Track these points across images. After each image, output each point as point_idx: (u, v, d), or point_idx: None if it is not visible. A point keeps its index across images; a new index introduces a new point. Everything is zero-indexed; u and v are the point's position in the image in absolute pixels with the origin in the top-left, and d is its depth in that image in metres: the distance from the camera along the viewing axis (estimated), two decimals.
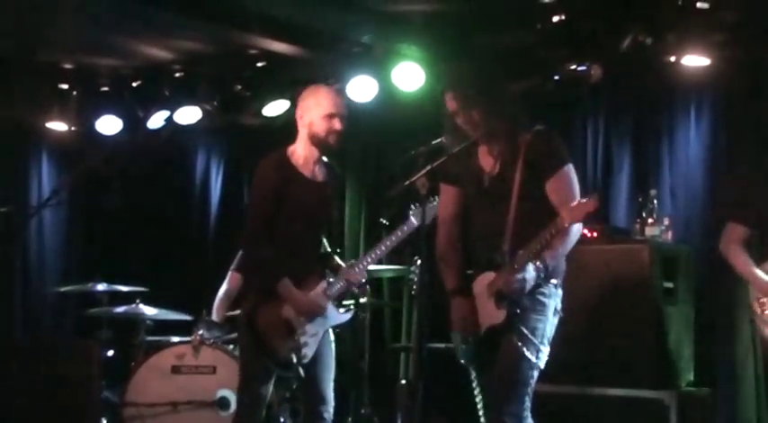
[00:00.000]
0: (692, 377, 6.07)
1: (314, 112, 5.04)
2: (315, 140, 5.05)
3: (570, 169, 4.34)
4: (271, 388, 5.10)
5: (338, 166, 5.31)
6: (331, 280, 5.12)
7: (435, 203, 4.68)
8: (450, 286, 4.49)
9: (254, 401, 5.05)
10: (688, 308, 6.17)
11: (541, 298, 4.30)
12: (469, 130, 4.38)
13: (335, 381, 5.13)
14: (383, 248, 5.27)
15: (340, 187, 5.21)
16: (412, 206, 5.18)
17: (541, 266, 4.18)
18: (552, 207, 4.24)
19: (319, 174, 5.12)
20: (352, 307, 5.36)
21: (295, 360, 4.94)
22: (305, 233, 5.07)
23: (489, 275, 4.30)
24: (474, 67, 4.66)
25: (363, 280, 5.27)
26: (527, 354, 4.24)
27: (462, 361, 4.49)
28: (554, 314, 4.36)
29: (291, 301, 4.95)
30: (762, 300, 5.38)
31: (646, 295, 5.85)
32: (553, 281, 4.33)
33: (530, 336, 4.26)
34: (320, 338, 5.04)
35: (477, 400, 4.51)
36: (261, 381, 5.05)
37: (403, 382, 6.97)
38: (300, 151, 5.09)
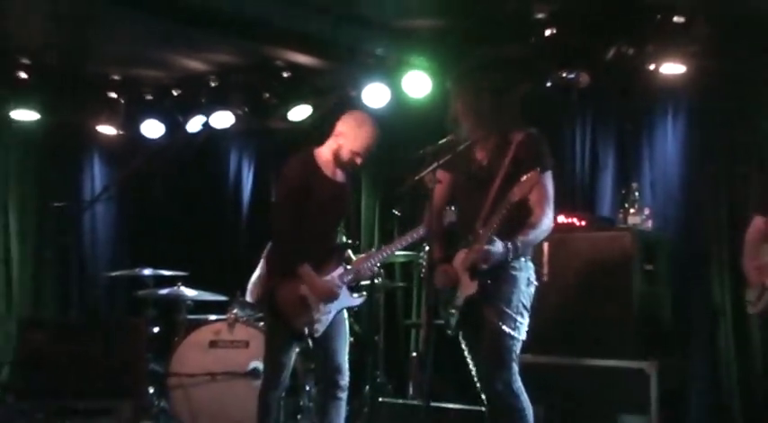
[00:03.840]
0: (669, 348, 6.09)
1: (348, 141, 5.08)
2: (336, 159, 5.12)
3: (549, 176, 4.37)
4: (293, 357, 5.11)
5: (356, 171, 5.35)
6: (348, 268, 5.17)
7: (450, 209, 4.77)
8: (436, 256, 4.52)
9: (277, 368, 5.07)
10: (666, 287, 6.17)
11: (512, 272, 4.33)
12: (469, 126, 4.43)
13: (354, 354, 5.16)
14: (393, 248, 5.34)
15: (356, 188, 5.25)
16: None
17: (511, 246, 4.21)
18: (527, 202, 4.29)
19: (339, 175, 5.16)
20: (364, 293, 5.39)
21: (307, 332, 4.97)
22: (324, 225, 5.10)
23: (463, 252, 4.34)
24: (480, 74, 4.71)
25: (373, 273, 5.31)
26: (504, 328, 4.28)
27: (450, 332, 4.51)
28: (527, 285, 4.38)
29: (310, 285, 4.96)
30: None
31: (628, 276, 5.85)
32: (522, 258, 4.36)
33: (505, 309, 4.29)
34: (332, 317, 5.06)
35: (473, 371, 4.54)
36: (281, 350, 5.07)
37: (414, 354, 7.00)
38: (325, 155, 5.14)
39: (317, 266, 5.03)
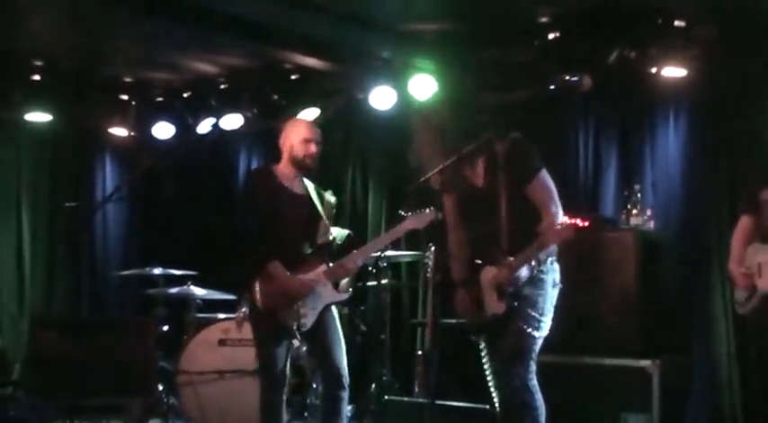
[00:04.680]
0: (671, 347, 6.06)
1: (294, 137, 5.20)
2: (294, 161, 5.20)
3: (544, 173, 4.38)
4: (285, 353, 5.09)
5: (323, 187, 5.39)
6: (331, 265, 5.17)
7: (428, 211, 4.88)
8: (456, 277, 4.53)
9: (271, 366, 5.07)
10: (667, 287, 6.16)
11: (540, 275, 4.34)
12: (437, 159, 4.38)
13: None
14: (379, 244, 5.35)
15: (321, 201, 5.29)
16: (404, 213, 5.25)
17: (535, 263, 4.26)
18: (535, 204, 4.32)
19: (298, 187, 5.24)
20: (350, 289, 5.39)
21: (295, 327, 4.98)
22: (289, 231, 5.13)
23: (492, 270, 4.33)
24: (438, 110, 4.72)
25: (356, 267, 5.29)
26: (529, 331, 4.30)
27: (473, 336, 4.51)
28: (553, 287, 4.40)
29: (282, 280, 5.00)
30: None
31: (631, 276, 5.84)
32: (548, 259, 4.38)
33: (531, 312, 4.30)
34: (319, 311, 5.07)
35: (486, 366, 4.52)
36: (272, 344, 5.06)
37: (420, 353, 6.97)
38: (283, 169, 5.24)
39: (296, 265, 5.06)
